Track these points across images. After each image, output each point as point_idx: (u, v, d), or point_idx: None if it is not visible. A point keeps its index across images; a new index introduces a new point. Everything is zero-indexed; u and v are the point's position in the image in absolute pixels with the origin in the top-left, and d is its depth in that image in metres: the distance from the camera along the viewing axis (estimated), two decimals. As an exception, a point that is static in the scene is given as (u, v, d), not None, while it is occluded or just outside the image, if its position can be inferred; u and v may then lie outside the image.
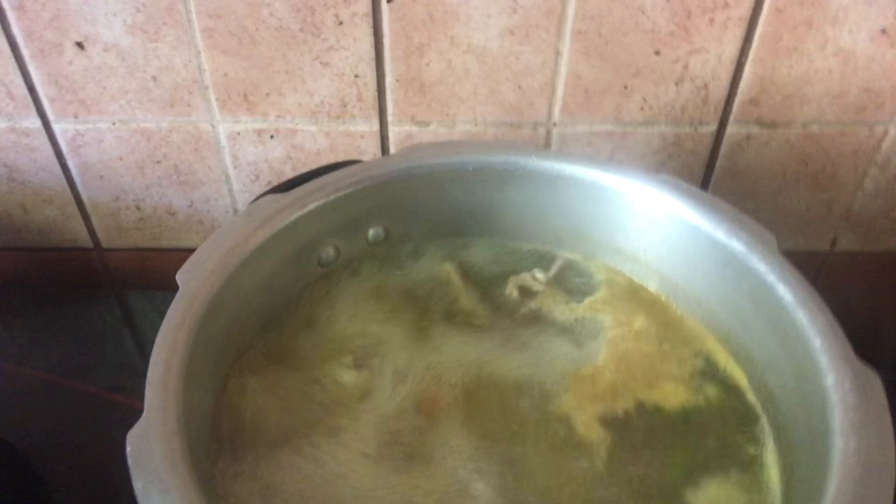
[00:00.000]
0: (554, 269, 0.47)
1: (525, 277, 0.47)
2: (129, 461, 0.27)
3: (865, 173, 0.60)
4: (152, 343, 0.32)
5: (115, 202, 0.62)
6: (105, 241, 0.65)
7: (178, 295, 0.34)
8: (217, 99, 0.56)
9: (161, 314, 0.34)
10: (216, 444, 0.35)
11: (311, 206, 0.41)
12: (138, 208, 0.63)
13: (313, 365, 0.41)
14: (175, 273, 0.36)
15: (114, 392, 0.56)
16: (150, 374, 0.30)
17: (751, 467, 0.37)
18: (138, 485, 0.26)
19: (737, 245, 0.39)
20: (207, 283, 0.35)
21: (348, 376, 0.41)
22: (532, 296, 0.47)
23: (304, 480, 0.35)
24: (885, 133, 0.58)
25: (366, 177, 0.43)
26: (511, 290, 0.47)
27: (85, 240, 0.65)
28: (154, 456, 0.27)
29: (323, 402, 0.39)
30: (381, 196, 0.44)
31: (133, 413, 0.30)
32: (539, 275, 0.47)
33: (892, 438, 0.29)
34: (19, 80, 0.55)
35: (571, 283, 0.47)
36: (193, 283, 0.35)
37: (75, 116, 0.57)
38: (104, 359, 0.60)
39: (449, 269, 0.47)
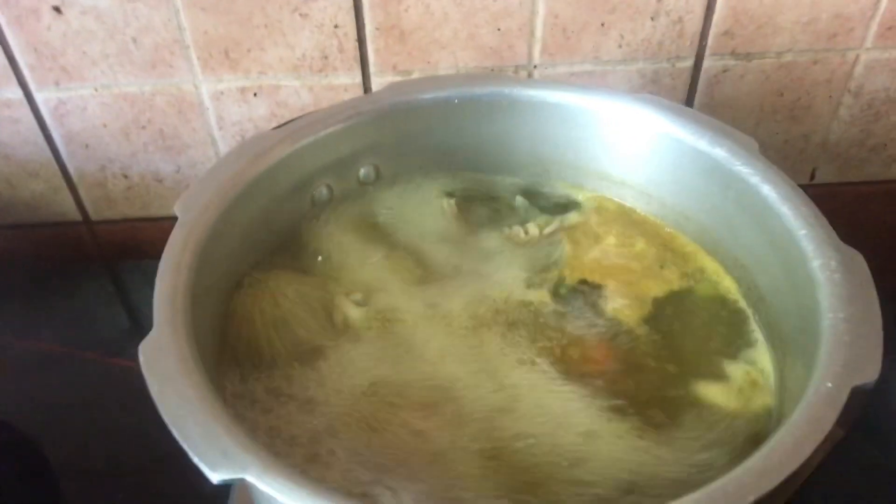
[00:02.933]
0: (550, 228, 0.47)
1: (518, 232, 0.47)
2: (143, 368, 0.28)
3: (840, 102, 0.62)
4: (146, 315, 0.32)
5: (101, 172, 0.62)
6: (94, 213, 0.65)
7: (178, 223, 0.35)
8: (199, 58, 0.56)
9: (154, 285, 0.33)
10: (223, 356, 0.36)
11: (302, 143, 0.42)
12: (125, 176, 0.63)
13: (308, 295, 0.42)
14: (165, 243, 0.35)
15: (111, 357, 0.56)
16: (156, 291, 0.31)
17: (743, 363, 0.39)
18: (154, 388, 0.27)
19: (720, 152, 0.40)
20: (205, 214, 0.36)
21: (347, 308, 0.42)
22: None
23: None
24: (857, 59, 0.59)
25: (354, 112, 0.43)
26: (504, 239, 0.47)
27: (73, 213, 0.65)
28: (167, 361, 0.28)
29: (316, 329, 0.40)
30: (370, 132, 0.44)
31: (132, 374, 0.29)
32: (533, 229, 0.48)
33: (878, 307, 0.31)
34: (-2, 50, 0.55)
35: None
36: (192, 213, 0.35)
37: (56, 84, 0.57)
38: (99, 330, 0.60)
39: (440, 206, 0.48)
